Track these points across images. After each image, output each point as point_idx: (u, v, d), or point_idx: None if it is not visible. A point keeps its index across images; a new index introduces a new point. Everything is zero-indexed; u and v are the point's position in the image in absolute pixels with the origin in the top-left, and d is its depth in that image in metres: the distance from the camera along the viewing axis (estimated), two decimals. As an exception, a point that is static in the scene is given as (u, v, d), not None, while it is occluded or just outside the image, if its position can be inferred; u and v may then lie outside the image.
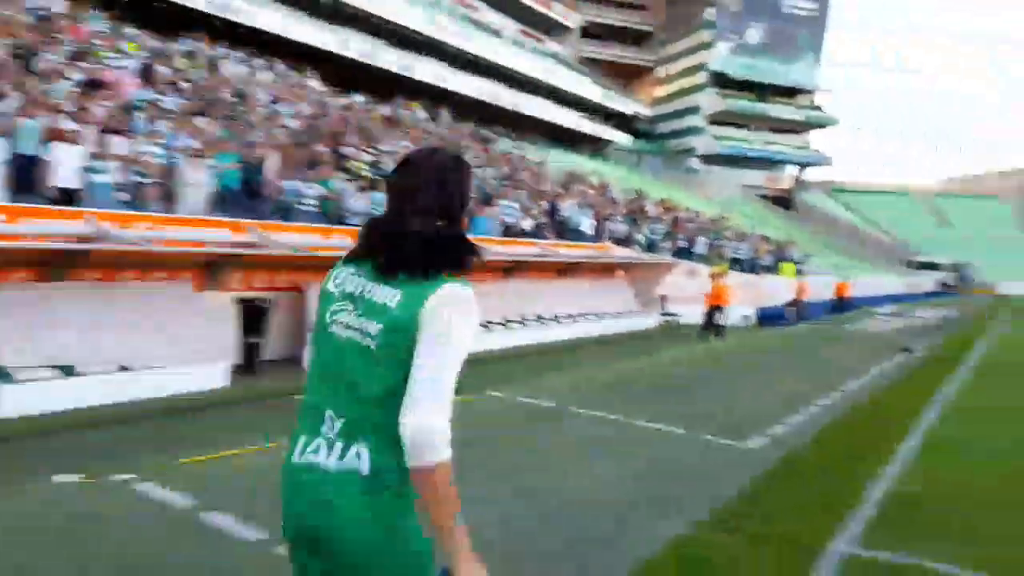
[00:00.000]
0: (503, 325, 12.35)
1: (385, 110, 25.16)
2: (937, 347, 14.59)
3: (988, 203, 65.71)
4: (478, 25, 43.30)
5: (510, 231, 15.26)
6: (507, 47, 44.50)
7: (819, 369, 10.90)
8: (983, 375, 10.90)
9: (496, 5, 47.68)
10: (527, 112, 45.01)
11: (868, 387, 9.28)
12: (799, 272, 22.34)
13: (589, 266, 16.02)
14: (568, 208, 18.78)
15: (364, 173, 13.85)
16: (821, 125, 62.03)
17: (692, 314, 17.92)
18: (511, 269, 13.60)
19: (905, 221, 61.98)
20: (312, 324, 1.80)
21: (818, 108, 61.22)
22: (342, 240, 9.93)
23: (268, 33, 29.22)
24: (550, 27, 54.61)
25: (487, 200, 15.60)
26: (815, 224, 54.31)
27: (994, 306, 32.78)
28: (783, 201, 60.22)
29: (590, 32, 59.90)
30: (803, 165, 62.83)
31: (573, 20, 56.53)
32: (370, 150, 15.88)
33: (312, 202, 11.45)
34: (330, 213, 11.55)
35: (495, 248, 13.00)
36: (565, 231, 18.41)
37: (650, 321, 17.41)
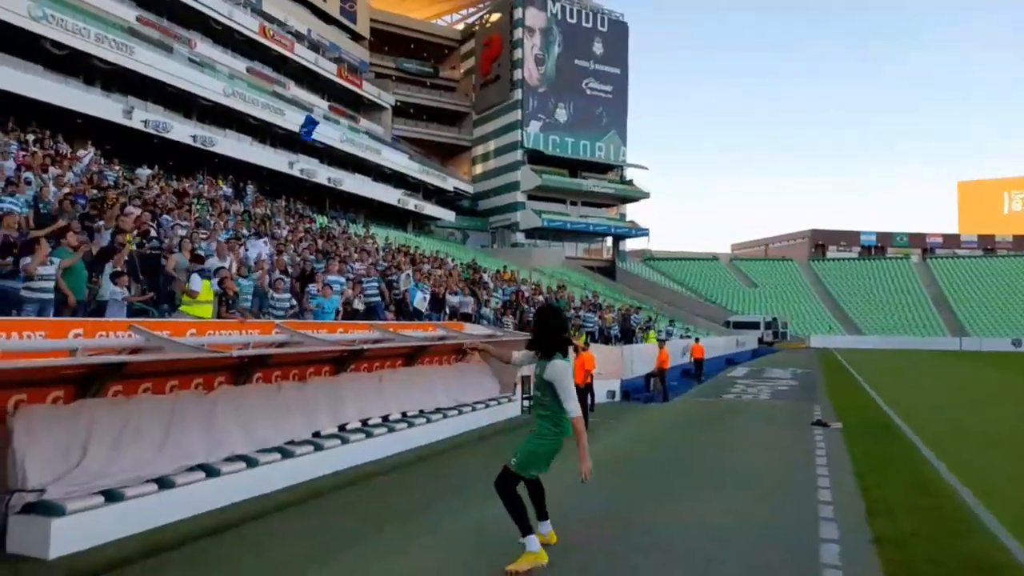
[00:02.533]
0: (338, 438, 8.99)
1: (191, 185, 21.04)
2: (834, 413, 13.18)
3: (780, 263, 71.64)
4: (286, 100, 40.14)
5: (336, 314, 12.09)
6: (320, 122, 41.58)
7: (766, 468, 8.69)
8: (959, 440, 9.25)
9: (305, 83, 44.98)
10: (346, 189, 42.00)
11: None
12: (660, 340, 20.89)
13: (441, 349, 13.08)
14: (405, 284, 15.88)
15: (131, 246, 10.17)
16: (633, 198, 64.75)
17: (557, 395, 15.54)
18: (345, 359, 10.36)
19: (716, 284, 65.64)
20: None
21: (629, 182, 63.95)
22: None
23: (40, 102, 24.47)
24: (362, 105, 52.74)
25: (310, 276, 12.35)
26: (637, 291, 55.53)
27: (823, 358, 33.93)
28: (605, 271, 61.61)
29: (404, 111, 58.75)
30: (621, 236, 64.94)
31: (386, 99, 55.12)
32: (150, 224, 12.20)
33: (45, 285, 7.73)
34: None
35: (319, 335, 9.77)
36: (404, 311, 15.47)
37: (514, 409, 14.69)
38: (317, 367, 10.02)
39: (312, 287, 11.63)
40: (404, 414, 11.02)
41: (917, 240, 78.24)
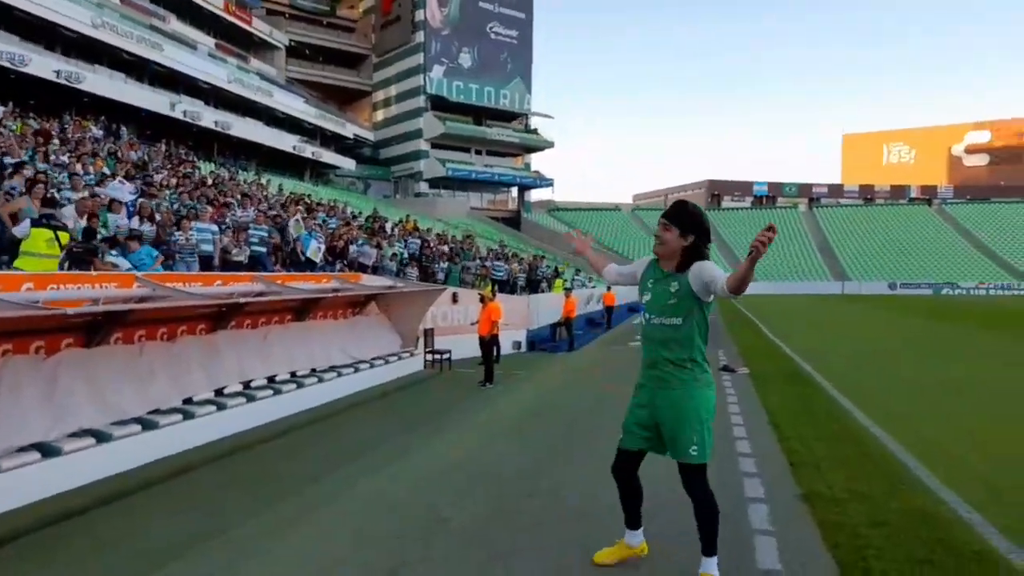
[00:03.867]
0: (213, 404, 7.99)
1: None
2: (739, 358, 13.18)
3: (681, 214, 73.24)
4: (165, 35, 36.67)
5: (209, 264, 10.90)
6: (204, 61, 38.34)
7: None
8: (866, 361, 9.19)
9: (188, 16, 41.31)
10: (236, 133, 39.14)
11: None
12: (566, 289, 20.54)
13: (336, 302, 12.11)
14: (296, 231, 14.65)
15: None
16: (539, 148, 64.08)
17: (462, 348, 14.92)
18: (223, 315, 9.27)
19: (618, 234, 66.50)
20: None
21: (534, 131, 63.15)
22: None
23: None
24: (253, 44, 49.20)
25: (178, 223, 11.02)
26: (542, 242, 55.42)
27: (721, 303, 34.81)
28: (511, 221, 61.08)
29: (299, 52, 55.30)
30: (526, 186, 64.38)
31: (278, 38, 51.66)
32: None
33: None
34: None
35: (191, 288, 8.63)
36: (297, 260, 14.30)
37: (416, 364, 13.96)
38: (191, 324, 8.88)
39: (178, 235, 10.36)
40: (293, 374, 10.10)
41: (805, 190, 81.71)
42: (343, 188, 50.00)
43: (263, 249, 12.73)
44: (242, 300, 8.51)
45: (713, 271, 3.13)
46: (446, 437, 6.85)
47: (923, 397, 8.40)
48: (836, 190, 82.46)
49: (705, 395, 3.18)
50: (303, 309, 11.33)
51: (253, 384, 9.12)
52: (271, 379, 9.56)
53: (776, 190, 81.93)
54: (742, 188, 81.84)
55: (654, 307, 3.29)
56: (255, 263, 12.61)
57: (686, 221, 3.20)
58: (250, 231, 12.71)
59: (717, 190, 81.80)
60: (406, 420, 8.48)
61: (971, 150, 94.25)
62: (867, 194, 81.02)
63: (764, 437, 6.26)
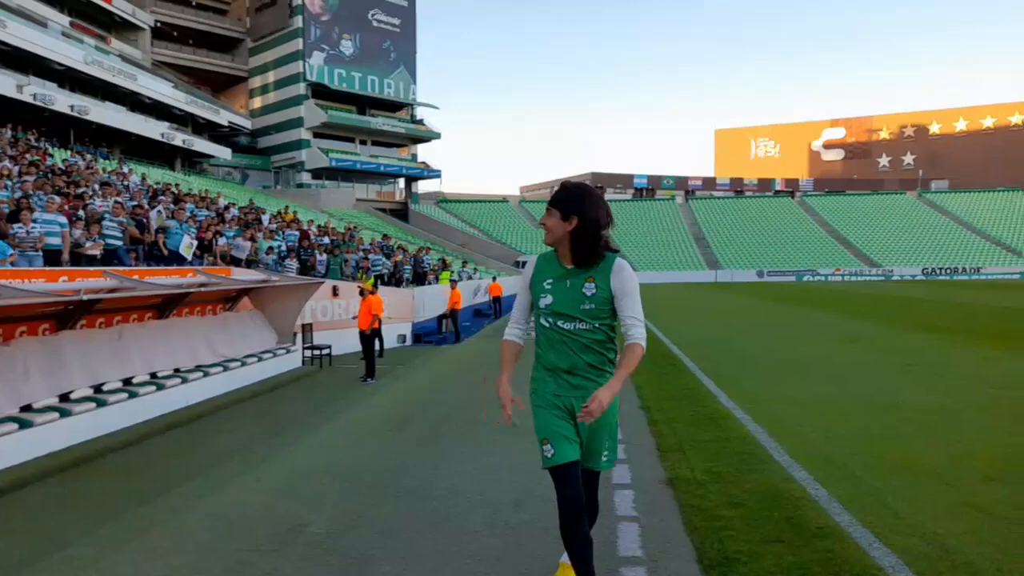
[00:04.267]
0: (56, 411, 7.29)
1: None
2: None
3: (566, 205, 74.70)
4: (10, 10, 33.35)
5: (57, 259, 9.98)
6: (56, 40, 35.17)
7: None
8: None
9: (38, -8, 37.77)
10: (95, 119, 36.24)
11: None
12: (452, 281, 20.37)
13: (204, 297, 11.41)
14: (159, 223, 13.69)
15: None
16: (425, 139, 63.38)
17: (342, 343, 14.51)
18: (70, 314, 8.49)
19: (506, 225, 67.00)
20: None
21: (420, 121, 62.39)
22: None
23: None
24: (114, 24, 45.72)
25: (13, 216, 9.99)
26: (430, 233, 55.01)
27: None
28: (398, 213, 60.19)
29: (166, 34, 51.90)
30: (413, 178, 63.58)
31: (143, 18, 48.25)
32: None
33: None
34: None
35: (28, 285, 7.85)
36: (160, 254, 13.36)
37: (293, 361, 13.42)
38: (32, 325, 8.09)
39: (18, 227, 9.41)
40: (153, 375, 9.42)
41: (681, 183, 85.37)
42: (218, 178, 47.51)
43: (119, 243, 11.80)
44: (90, 297, 7.80)
45: (632, 299, 2.67)
46: (313, 439, 6.55)
47: (780, 378, 8.88)
48: (710, 183, 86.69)
49: (617, 398, 2.70)
50: (165, 306, 10.60)
51: (105, 388, 8.42)
52: (127, 381, 8.88)
53: (656, 182, 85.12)
54: (624, 180, 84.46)
55: (562, 311, 2.68)
56: (111, 258, 11.67)
57: (566, 201, 2.68)
58: (105, 223, 11.74)
59: (600, 182, 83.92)
60: (275, 422, 8.08)
61: (828, 145, 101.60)
62: (737, 187, 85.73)
63: (636, 422, 6.38)
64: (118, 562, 3.60)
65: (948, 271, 60.72)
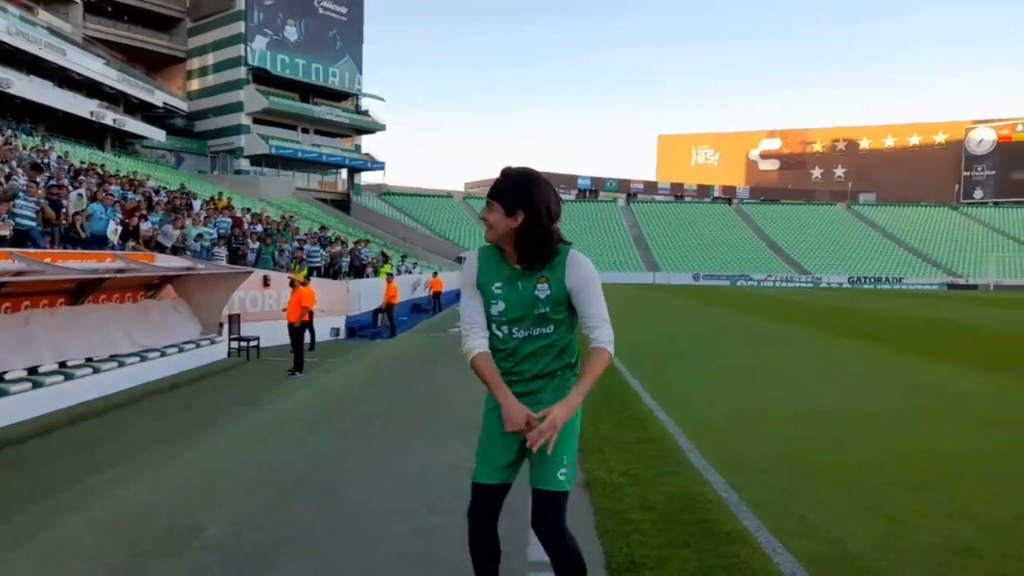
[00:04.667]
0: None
1: None
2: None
3: (510, 203, 74.85)
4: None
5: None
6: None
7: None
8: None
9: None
10: (17, 93, 34.42)
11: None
12: (388, 275, 20.08)
13: (123, 283, 10.91)
14: (78, 205, 13.04)
15: None
16: (369, 130, 62.46)
17: (271, 335, 14.12)
18: (-31, 299, 7.99)
19: (449, 221, 66.69)
20: None
21: (364, 112, 61.42)
22: None
23: None
24: (41, -6, 43.45)
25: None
26: (372, 226, 54.25)
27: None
28: (340, 204, 59.15)
29: (99, 8, 49.61)
30: (356, 169, 62.57)
31: (73, -11, 46.01)
32: None
33: None
34: None
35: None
36: (78, 237, 12.72)
37: (218, 352, 12.99)
38: (-75, 308, 7.57)
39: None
40: (63, 364, 8.96)
41: (624, 186, 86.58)
42: (151, 161, 45.73)
43: (31, 223, 11.17)
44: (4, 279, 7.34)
45: (593, 295, 2.33)
46: (227, 434, 6.30)
47: (706, 381, 9.03)
48: (651, 187, 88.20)
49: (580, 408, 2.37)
50: (80, 291, 10.09)
51: (7, 376, 7.96)
52: (32, 370, 8.41)
53: (599, 184, 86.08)
54: (568, 181, 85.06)
55: (517, 318, 2.35)
56: (23, 239, 11.04)
57: (509, 192, 2.28)
58: (18, 203, 11.10)
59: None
60: (191, 416, 7.79)
61: (765, 155, 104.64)
62: (677, 192, 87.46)
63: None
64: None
65: (872, 280, 63.28)
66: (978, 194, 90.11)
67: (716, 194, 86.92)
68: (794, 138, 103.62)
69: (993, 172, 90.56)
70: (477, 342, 2.39)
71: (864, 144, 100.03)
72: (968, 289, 57.73)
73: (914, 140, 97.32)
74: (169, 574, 3.22)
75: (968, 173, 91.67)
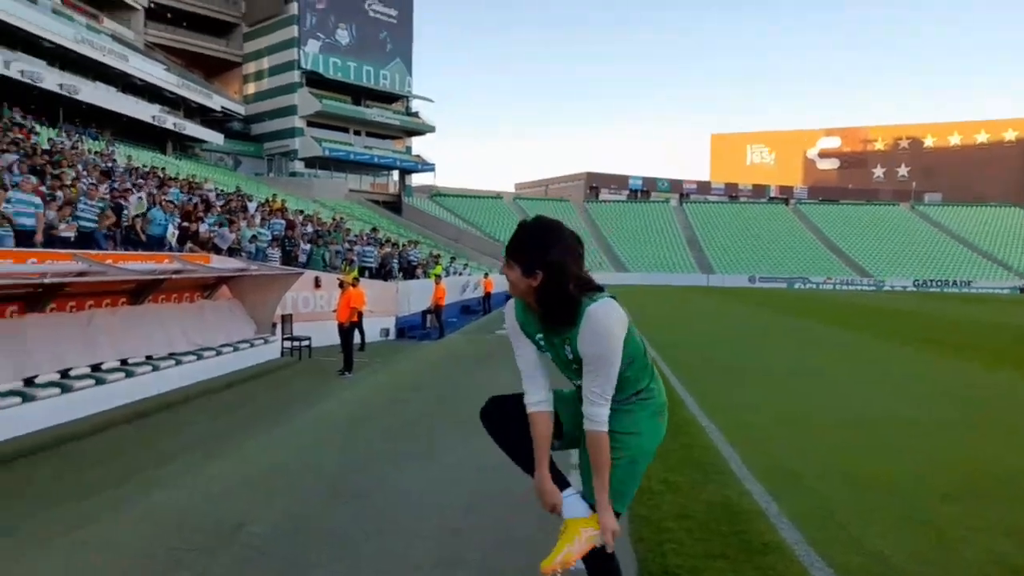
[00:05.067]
0: (18, 395, 7.18)
1: None
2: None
3: (558, 204, 74.73)
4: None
5: (29, 239, 9.84)
6: (46, 17, 34.79)
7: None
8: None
9: (28, -34, 37.28)
10: (84, 99, 35.92)
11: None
12: (436, 276, 20.28)
13: (180, 284, 11.30)
14: (138, 208, 13.55)
15: None
16: (420, 132, 63.17)
17: (323, 335, 14.41)
18: (37, 297, 8.38)
19: (499, 222, 66.89)
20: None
21: (415, 114, 62.17)
22: None
23: None
24: (106, 3, 45.26)
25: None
26: (423, 227, 54.86)
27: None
28: (391, 205, 59.99)
29: (159, 15, 51.42)
30: (407, 170, 63.36)
31: (137, -2, 47.78)
32: None
33: None
34: None
35: (-5, 266, 7.74)
36: (138, 239, 13.23)
37: (271, 351, 13.33)
38: (-3, 308, 7.97)
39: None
40: (124, 361, 9.32)
41: (676, 186, 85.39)
42: (210, 164, 47.24)
43: (94, 225, 11.66)
44: (50, 280, 7.69)
45: (595, 363, 2.15)
46: (276, 434, 6.46)
47: (751, 386, 8.85)
48: (704, 187, 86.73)
49: (646, 425, 2.29)
50: (139, 292, 10.49)
51: (72, 373, 8.33)
52: (95, 367, 8.78)
53: (651, 185, 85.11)
54: (619, 181, 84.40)
55: (566, 370, 2.34)
56: (86, 240, 11.55)
57: (526, 253, 2.15)
58: (80, 206, 11.61)
59: (595, 182, 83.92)
60: (243, 414, 8.02)
61: (823, 154, 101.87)
62: (732, 192, 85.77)
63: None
64: (36, 557, 3.51)
65: (939, 283, 60.96)
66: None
67: (772, 194, 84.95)
68: (854, 136, 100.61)
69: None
70: (534, 397, 2.32)
71: (928, 142, 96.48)
72: (1040, 292, 55.10)
73: (981, 137, 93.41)
74: (209, 570, 3.33)
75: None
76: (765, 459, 5.19)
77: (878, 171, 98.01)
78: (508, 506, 4.12)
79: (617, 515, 2.26)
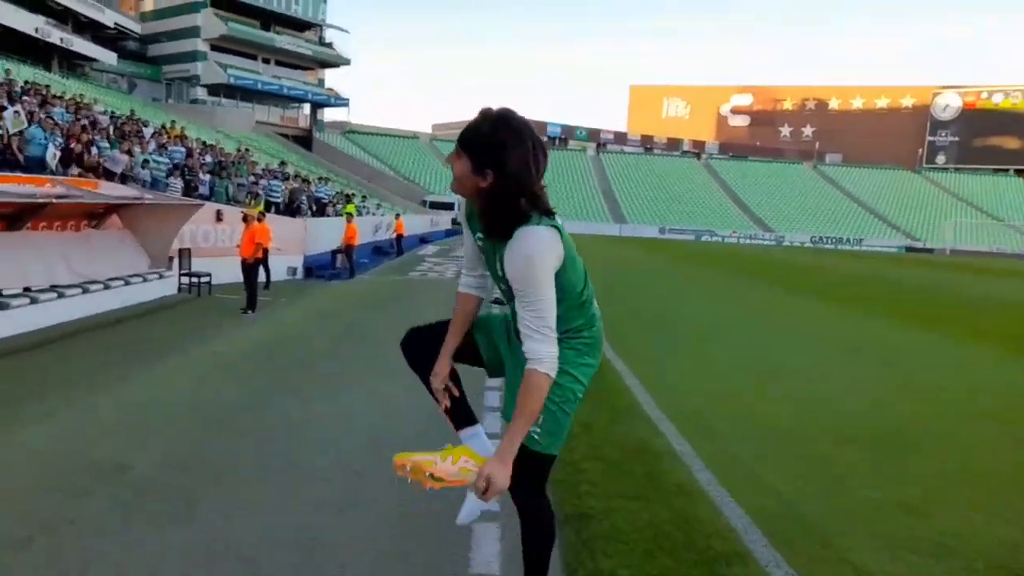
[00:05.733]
0: None
1: None
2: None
3: (478, 147, 73.69)
4: None
5: None
6: None
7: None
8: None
9: None
10: (-49, 5, 32.15)
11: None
12: (347, 215, 19.56)
13: (64, 211, 10.35)
14: (16, 125, 12.29)
15: None
16: (334, 64, 60.36)
17: (225, 272, 13.66)
18: None
19: (415, 163, 65.50)
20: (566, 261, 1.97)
21: (329, 45, 59.29)
22: None
23: None
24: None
25: None
26: (335, 164, 52.98)
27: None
28: (301, 140, 57.52)
29: (45, -85, 46.38)
30: (319, 104, 60.68)
31: None
32: None
33: None
34: None
35: None
36: (15, 160, 12.03)
37: (167, 287, 12.55)
38: None
39: None
40: (-2, 293, 8.50)
41: (594, 135, 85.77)
42: (101, 85, 43.63)
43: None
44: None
45: (526, 289, 1.89)
46: (164, 369, 6.04)
47: (671, 338, 8.98)
48: (621, 138, 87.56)
49: (576, 366, 2.04)
50: (17, 218, 9.54)
51: (-66, 304, 7.52)
52: (-38, 299, 7.96)
53: (569, 133, 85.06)
54: (537, 128, 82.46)
55: (494, 277, 2.11)
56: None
57: (480, 148, 1.90)
58: (-53, 120, 10.39)
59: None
60: (130, 351, 7.45)
61: (736, 111, 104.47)
62: (648, 144, 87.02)
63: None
64: None
65: (834, 240, 64.34)
66: (940, 159, 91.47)
67: (686, 148, 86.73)
68: (765, 94, 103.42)
69: (956, 138, 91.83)
70: (464, 281, 2.25)
71: (833, 104, 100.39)
72: (924, 252, 59.09)
73: (882, 103, 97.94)
74: (84, 514, 3.01)
75: (932, 138, 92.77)
76: (676, 402, 5.23)
77: (785, 130, 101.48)
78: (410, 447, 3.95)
79: (552, 458, 2.11)
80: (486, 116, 1.94)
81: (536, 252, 1.87)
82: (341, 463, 3.76)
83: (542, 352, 1.87)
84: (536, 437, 2.02)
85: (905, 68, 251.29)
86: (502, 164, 1.86)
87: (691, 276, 19.42)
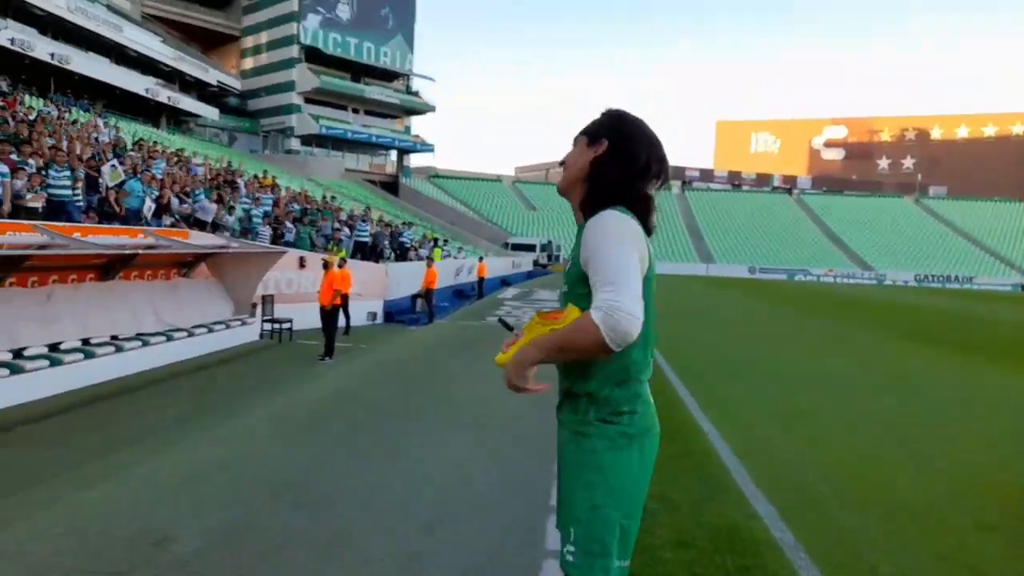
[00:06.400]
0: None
1: None
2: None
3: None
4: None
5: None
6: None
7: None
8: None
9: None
10: (76, 69, 35.03)
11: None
12: (427, 259, 19.66)
13: (154, 260, 10.68)
14: (112, 179, 12.89)
15: None
16: (420, 111, 62.23)
17: (305, 318, 13.80)
18: (-10, 272, 7.77)
19: (498, 206, 66.18)
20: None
21: (415, 93, 61.20)
22: None
23: None
24: (102, -28, 44.21)
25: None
26: (420, 208, 54.13)
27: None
28: (388, 186, 59.20)
29: (156, -14, 50.36)
30: (405, 150, 62.48)
31: (134, -32, 46.74)
32: None
33: None
34: None
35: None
36: (114, 212, 12.60)
37: (250, 333, 12.73)
38: (-57, 281, 7.37)
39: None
40: (86, 341, 8.72)
41: (679, 173, 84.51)
42: (204, 139, 46.39)
43: (67, 193, 11.02)
44: (4, 253, 7.08)
45: (599, 256, 1.65)
46: (231, 425, 5.88)
47: (763, 390, 8.28)
48: (707, 175, 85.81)
49: (609, 460, 1.68)
50: (110, 267, 9.87)
51: (26, 353, 7.74)
52: (53, 347, 8.19)
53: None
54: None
55: (565, 274, 1.89)
56: (56, 211, 10.91)
57: (601, 124, 1.87)
58: (50, 174, 10.97)
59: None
60: (202, 402, 7.42)
61: (829, 144, 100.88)
62: (735, 180, 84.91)
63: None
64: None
65: (941, 279, 60.37)
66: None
67: (776, 183, 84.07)
68: (860, 126, 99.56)
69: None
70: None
71: (935, 134, 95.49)
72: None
73: (989, 131, 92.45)
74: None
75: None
76: (775, 474, 4.62)
77: (883, 162, 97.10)
78: (476, 514, 3.56)
79: None
80: (609, 110, 1.94)
81: (623, 223, 1.73)
82: (398, 545, 3.39)
83: (613, 301, 1.55)
84: (570, 558, 1.67)
85: (1010, 94, 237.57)
86: (620, 136, 1.83)
87: (781, 317, 18.34)
